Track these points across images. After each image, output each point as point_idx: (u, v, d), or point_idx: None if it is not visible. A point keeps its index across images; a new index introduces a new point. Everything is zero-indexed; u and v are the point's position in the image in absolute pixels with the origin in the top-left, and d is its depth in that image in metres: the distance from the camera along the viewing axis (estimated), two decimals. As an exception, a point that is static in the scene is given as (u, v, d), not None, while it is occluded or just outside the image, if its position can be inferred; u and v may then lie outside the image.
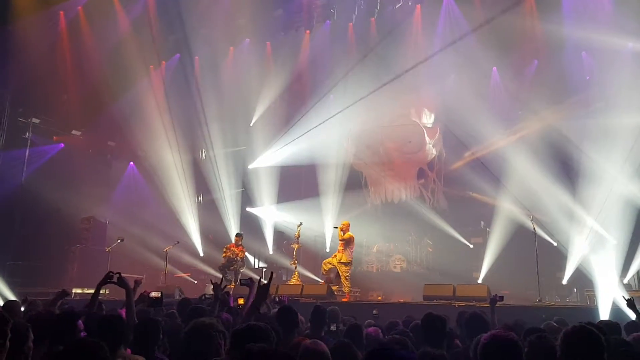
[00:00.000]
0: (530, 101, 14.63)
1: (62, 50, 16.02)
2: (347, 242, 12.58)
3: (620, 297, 8.74)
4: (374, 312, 7.19)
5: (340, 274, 12.42)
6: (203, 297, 7.40)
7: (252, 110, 17.68)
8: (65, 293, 7.02)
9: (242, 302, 5.64)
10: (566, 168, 13.51)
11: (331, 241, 15.84)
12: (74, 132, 17.41)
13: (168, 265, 14.59)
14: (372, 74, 15.88)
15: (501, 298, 6.81)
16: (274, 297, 7.08)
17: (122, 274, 5.05)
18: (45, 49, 15.19)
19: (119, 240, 13.67)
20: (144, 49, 16.41)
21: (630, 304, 6.35)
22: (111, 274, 5.10)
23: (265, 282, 2.84)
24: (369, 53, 16.45)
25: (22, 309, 6.46)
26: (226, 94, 17.25)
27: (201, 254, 16.97)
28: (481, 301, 9.67)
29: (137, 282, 6.02)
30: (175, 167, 17.13)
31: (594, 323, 4.32)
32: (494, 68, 15.65)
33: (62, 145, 17.07)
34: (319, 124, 16.34)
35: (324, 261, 13.04)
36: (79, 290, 12.91)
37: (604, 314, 8.78)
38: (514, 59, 15.18)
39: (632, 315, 6.37)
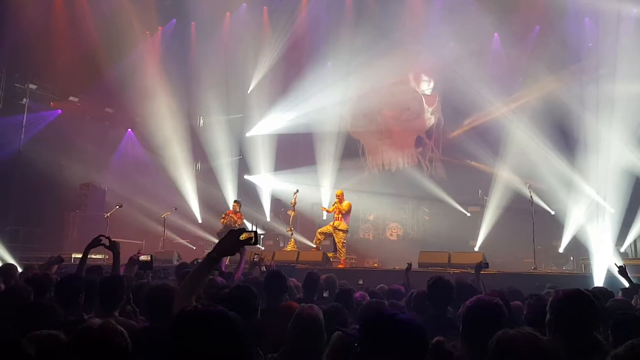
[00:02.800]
0: (531, 68, 14.46)
1: (58, 15, 15.78)
2: (348, 212, 12.55)
3: (613, 264, 8.80)
4: (359, 282, 7.23)
5: (337, 240, 12.41)
6: (195, 262, 7.46)
7: (250, 77, 17.50)
8: (61, 259, 7.08)
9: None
10: (565, 136, 13.44)
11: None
12: (71, 98, 17.29)
13: (167, 232, 14.68)
14: (370, 40, 15.66)
15: (486, 265, 7.03)
16: (262, 265, 7.11)
17: (121, 240, 5.11)
18: (40, 14, 14.95)
19: (117, 207, 13.70)
20: (140, 14, 16.17)
21: (622, 271, 6.39)
22: (101, 237, 5.15)
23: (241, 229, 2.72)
24: (367, 19, 16.20)
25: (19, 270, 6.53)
26: (223, 61, 17.07)
27: (199, 221, 17.04)
28: (476, 268, 9.71)
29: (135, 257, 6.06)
30: (172, 134, 17.05)
31: (587, 289, 4.33)
32: (495, 34, 15.43)
33: (60, 111, 16.98)
34: (316, 92, 16.20)
35: (318, 230, 12.99)
36: (78, 255, 12.94)
37: (598, 282, 8.85)
38: (515, 25, 14.94)
39: (625, 283, 6.42)
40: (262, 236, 15.86)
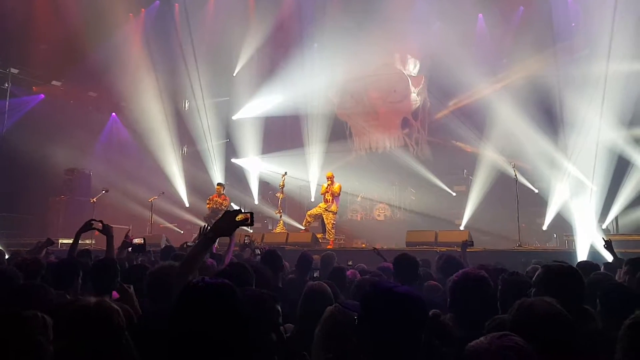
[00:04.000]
0: (516, 49, 14.53)
1: (39, -1, 15.51)
2: (338, 194, 12.62)
3: (598, 240, 8.98)
4: (349, 262, 7.34)
5: (326, 222, 12.51)
6: (185, 245, 7.50)
7: (235, 60, 17.38)
8: (51, 241, 7.06)
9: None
10: (549, 116, 13.59)
11: (316, 191, 15.94)
12: (54, 82, 17.08)
13: (154, 216, 14.64)
14: (357, 21, 15.60)
15: (471, 243, 7.24)
16: (254, 247, 7.19)
17: (102, 220, 5.13)
18: (21, -4, 14.70)
19: (103, 191, 13.62)
20: (122, -4, 15.94)
21: (608, 245, 6.55)
22: (93, 221, 5.17)
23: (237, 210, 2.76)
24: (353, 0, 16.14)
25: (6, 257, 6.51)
26: (208, 43, 16.89)
27: (187, 205, 17.01)
28: (462, 246, 9.86)
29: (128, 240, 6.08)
30: (158, 117, 16.93)
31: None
32: (480, 15, 15.48)
33: (43, 96, 16.77)
34: (303, 74, 16.14)
35: (308, 213, 13.07)
36: (65, 241, 12.92)
37: (582, 257, 9.01)
38: (500, 5, 15.03)
39: (609, 257, 6.59)
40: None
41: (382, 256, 7.19)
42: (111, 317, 2.19)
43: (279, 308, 2.55)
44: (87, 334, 2.11)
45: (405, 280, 4.34)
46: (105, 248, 5.22)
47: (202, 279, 1.92)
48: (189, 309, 1.83)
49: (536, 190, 13.88)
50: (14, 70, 15.72)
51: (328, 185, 12.58)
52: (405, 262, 4.58)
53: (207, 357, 1.77)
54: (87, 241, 11.60)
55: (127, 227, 14.80)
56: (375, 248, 8.09)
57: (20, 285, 3.72)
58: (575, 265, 3.97)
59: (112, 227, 5.19)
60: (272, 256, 4.99)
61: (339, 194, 12.66)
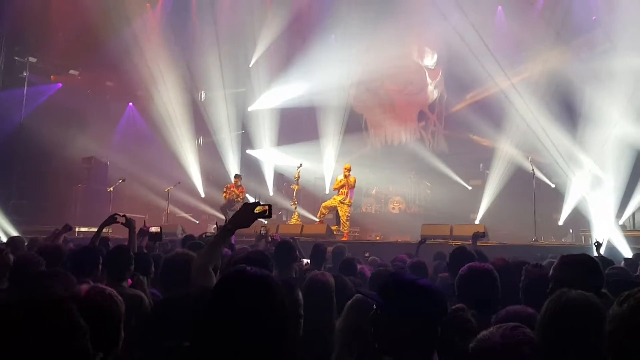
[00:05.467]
0: (535, 42, 14.37)
1: (57, -14, 15.63)
2: (353, 186, 12.57)
3: (615, 236, 8.90)
4: (366, 254, 7.32)
5: (341, 214, 12.51)
6: (204, 236, 7.56)
7: (252, 51, 17.37)
8: (69, 227, 7.15)
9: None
10: (568, 110, 13.43)
11: (331, 183, 15.93)
12: (71, 71, 17.21)
13: (170, 206, 14.76)
14: (374, 13, 15.53)
15: (483, 235, 7.10)
16: (268, 236, 7.21)
17: (126, 214, 5.21)
18: (39, -15, 14.83)
19: (120, 181, 13.75)
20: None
21: (598, 246, 6.51)
22: (116, 215, 5.23)
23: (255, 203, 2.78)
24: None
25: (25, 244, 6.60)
26: (225, 34, 16.90)
27: (202, 195, 17.11)
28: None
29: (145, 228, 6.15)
30: (174, 108, 17.01)
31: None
32: (499, 7, 15.30)
33: (60, 84, 16.92)
34: (320, 66, 16.09)
35: (323, 204, 13.07)
36: (83, 229, 13.08)
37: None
38: (519, -2, 14.85)
39: (626, 253, 6.53)
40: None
41: (418, 249, 7.08)
42: (104, 304, 2.14)
43: (301, 297, 2.56)
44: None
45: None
46: (122, 237, 5.28)
47: (243, 268, 1.78)
48: (229, 299, 1.67)
49: (553, 185, 13.74)
50: (32, 59, 15.85)
51: (345, 176, 12.51)
52: (460, 256, 4.41)
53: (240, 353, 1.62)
54: (105, 230, 11.68)
55: (143, 216, 15.03)
56: (423, 239, 7.74)
57: (43, 271, 3.75)
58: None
59: (134, 220, 5.25)
60: (286, 246, 4.96)
61: (354, 186, 12.63)
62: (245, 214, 2.71)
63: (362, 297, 2.60)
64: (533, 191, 11.54)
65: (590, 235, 10.58)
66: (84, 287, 2.23)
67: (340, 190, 12.56)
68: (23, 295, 1.66)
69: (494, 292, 3.03)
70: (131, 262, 4.07)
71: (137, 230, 5.76)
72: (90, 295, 2.16)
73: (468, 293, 2.99)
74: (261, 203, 2.76)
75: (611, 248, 8.85)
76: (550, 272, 2.97)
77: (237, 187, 13.87)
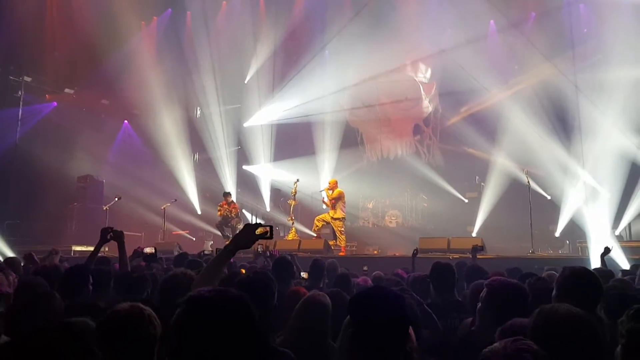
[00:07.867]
0: (527, 55, 14.51)
1: (52, 6, 15.74)
2: (337, 199, 12.50)
3: (612, 246, 8.89)
4: (364, 268, 7.29)
5: (335, 229, 12.51)
6: (202, 254, 7.51)
7: (247, 67, 17.47)
8: (55, 251, 7.11)
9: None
10: (562, 122, 13.54)
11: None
12: (66, 90, 17.23)
13: (166, 223, 14.70)
14: (368, 28, 15.64)
15: (481, 248, 7.13)
16: (267, 252, 7.18)
17: (113, 227, 5.01)
18: (35, 5, 14.91)
19: (116, 199, 13.70)
20: (135, 4, 16.02)
21: (604, 254, 6.50)
22: (107, 229, 5.06)
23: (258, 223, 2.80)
24: (364, 7, 16.15)
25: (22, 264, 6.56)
26: (220, 51, 16.99)
27: (199, 212, 17.07)
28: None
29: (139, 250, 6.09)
30: (170, 125, 17.01)
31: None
32: (491, 21, 15.45)
33: (55, 103, 16.92)
34: (314, 81, 16.18)
35: (316, 218, 13.05)
36: (78, 248, 13.01)
37: (595, 264, 8.93)
38: (511, 12, 14.98)
39: (622, 264, 6.53)
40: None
41: (414, 262, 6.96)
42: (143, 325, 2.16)
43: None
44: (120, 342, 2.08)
45: (442, 289, 4.28)
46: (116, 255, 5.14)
47: (211, 288, 1.68)
48: (192, 324, 1.57)
49: (549, 197, 13.79)
50: (27, 79, 15.90)
51: (326, 190, 12.60)
52: (440, 271, 4.38)
53: None
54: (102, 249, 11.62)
55: (139, 234, 14.99)
56: (415, 250, 7.55)
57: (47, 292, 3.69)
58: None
59: (122, 232, 5.08)
60: (284, 263, 4.92)
61: (339, 199, 12.48)
62: (247, 235, 2.72)
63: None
64: (529, 203, 11.57)
65: (587, 247, 10.57)
66: (124, 305, 2.23)
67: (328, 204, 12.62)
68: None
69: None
70: (88, 280, 4.05)
71: (129, 248, 5.71)
72: (130, 313, 2.18)
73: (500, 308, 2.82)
74: (263, 224, 2.78)
75: (608, 259, 8.84)
76: (554, 283, 3.02)
77: (229, 204, 13.84)
